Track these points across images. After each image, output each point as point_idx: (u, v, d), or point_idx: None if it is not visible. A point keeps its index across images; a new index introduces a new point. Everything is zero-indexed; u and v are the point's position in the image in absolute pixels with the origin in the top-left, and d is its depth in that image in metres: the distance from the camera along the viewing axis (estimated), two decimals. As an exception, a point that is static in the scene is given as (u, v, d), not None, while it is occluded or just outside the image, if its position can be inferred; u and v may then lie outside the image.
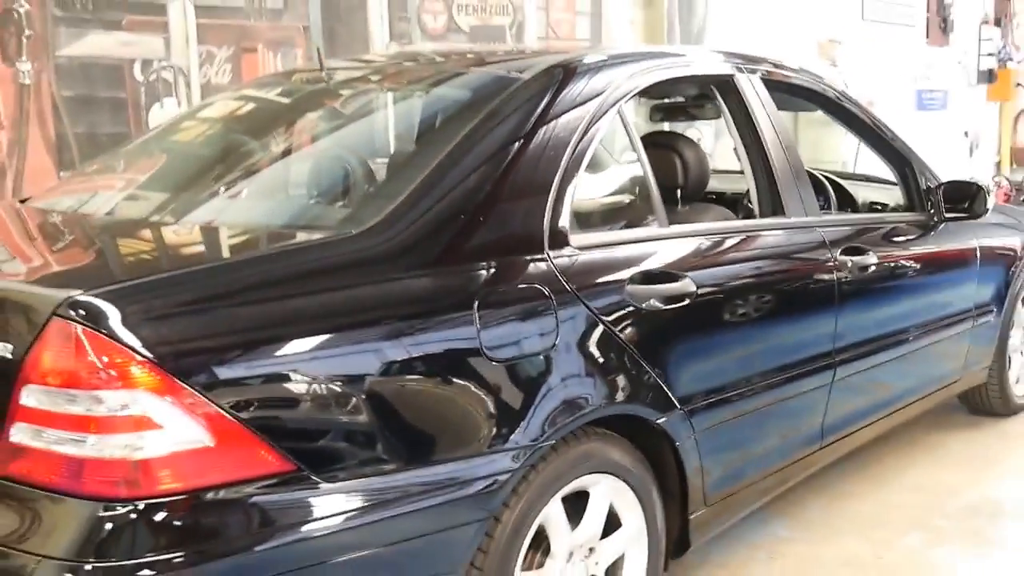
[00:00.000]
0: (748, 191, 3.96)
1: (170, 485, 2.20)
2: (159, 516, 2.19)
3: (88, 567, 2.14)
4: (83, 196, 3.54)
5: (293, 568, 2.34)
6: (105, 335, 2.18)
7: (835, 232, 4.08)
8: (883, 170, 5.04)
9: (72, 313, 2.19)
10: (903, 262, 4.51)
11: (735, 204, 4.38)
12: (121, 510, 2.17)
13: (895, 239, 4.53)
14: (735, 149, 3.94)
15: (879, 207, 5.07)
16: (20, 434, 2.25)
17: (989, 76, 15.24)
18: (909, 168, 4.78)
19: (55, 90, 5.20)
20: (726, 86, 3.90)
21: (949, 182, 4.81)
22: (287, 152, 3.59)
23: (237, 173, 3.44)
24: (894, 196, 4.98)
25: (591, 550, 3.04)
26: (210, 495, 2.24)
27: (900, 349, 4.45)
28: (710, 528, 3.51)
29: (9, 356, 2.26)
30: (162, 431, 2.19)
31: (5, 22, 4.97)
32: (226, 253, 2.82)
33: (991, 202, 4.85)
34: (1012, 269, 5.42)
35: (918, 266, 4.61)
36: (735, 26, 9.99)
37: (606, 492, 3.03)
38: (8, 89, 5.02)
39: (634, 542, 3.15)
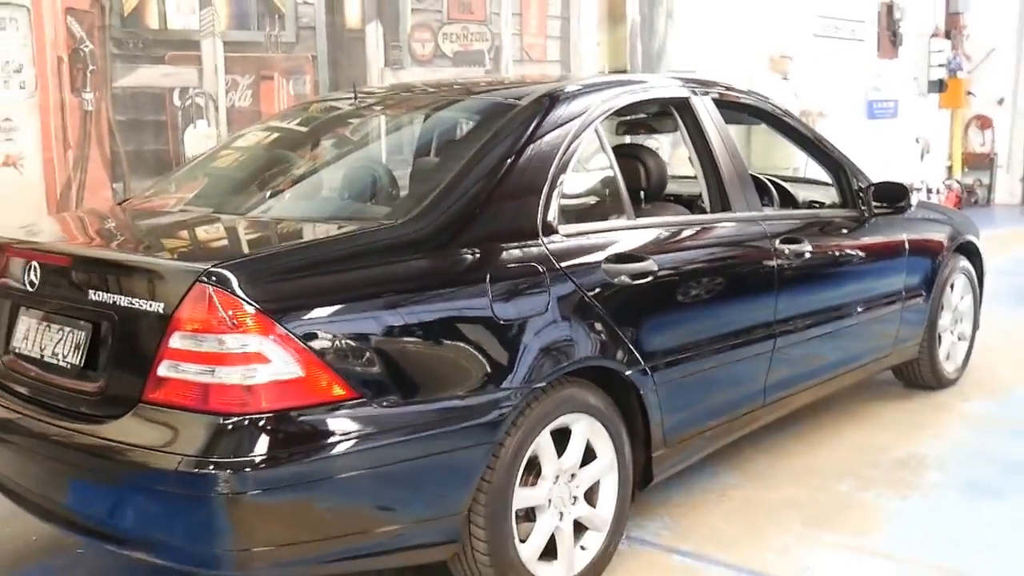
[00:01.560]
0: (700, 192, 4.79)
1: (271, 405, 3.07)
2: (262, 427, 3.06)
3: (211, 463, 3.01)
4: (175, 198, 4.48)
5: (354, 470, 3.20)
6: (231, 294, 3.05)
7: (775, 224, 4.92)
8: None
9: (207, 279, 3.07)
10: (835, 250, 5.34)
11: (691, 204, 5.18)
12: (236, 422, 3.05)
13: (829, 231, 5.37)
14: (689, 157, 4.80)
15: (817, 205, 5.89)
16: (166, 369, 3.13)
17: (940, 86, 16.15)
18: (842, 171, 5.62)
19: (111, 115, 6.19)
20: (683, 106, 4.76)
21: (878, 183, 5.64)
22: (337, 163, 4.57)
23: (301, 179, 4.47)
24: (831, 195, 5.80)
25: (573, 475, 3.85)
26: (298, 413, 3.10)
27: (834, 325, 5.29)
28: (669, 465, 4.33)
29: (161, 311, 3.14)
30: (269, 364, 3.06)
31: (74, 59, 5.94)
32: (308, 236, 3.70)
33: (914, 199, 5.68)
34: (938, 259, 6.21)
35: (849, 254, 5.44)
36: (692, 45, 10.82)
37: (584, 429, 3.85)
38: (75, 115, 6.01)
39: (607, 471, 3.96)
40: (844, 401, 6.12)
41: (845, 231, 5.48)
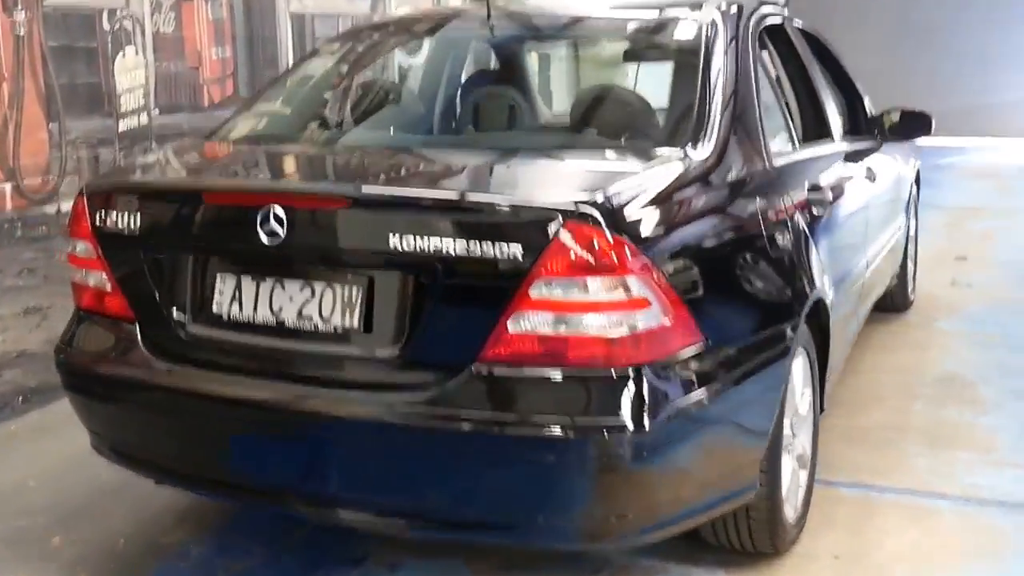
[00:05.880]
0: (795, 120, 4.82)
1: (650, 355, 2.97)
2: (643, 381, 2.93)
3: (588, 426, 2.91)
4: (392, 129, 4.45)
5: (715, 421, 3.21)
6: (609, 235, 2.89)
7: (860, 151, 5.29)
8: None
9: (581, 219, 2.89)
10: (879, 175, 5.65)
11: None
12: (611, 376, 2.94)
13: (872, 157, 5.65)
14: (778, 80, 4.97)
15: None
16: (519, 322, 2.95)
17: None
18: (859, 100, 5.95)
19: (43, 41, 5.61)
20: (778, 32, 4.82)
21: (903, 110, 5.91)
22: (565, 89, 4.65)
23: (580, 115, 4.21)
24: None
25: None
26: (673, 363, 3.04)
27: (887, 244, 5.77)
28: (829, 395, 4.49)
29: (515, 256, 2.91)
30: (647, 309, 2.94)
31: (2, -29, 5.34)
32: (626, 170, 3.36)
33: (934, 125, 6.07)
34: (913, 182, 6.85)
35: (885, 178, 5.81)
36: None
37: (802, 363, 3.90)
38: (7, 41, 5.39)
39: (808, 406, 4.05)
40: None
41: (877, 157, 5.77)
